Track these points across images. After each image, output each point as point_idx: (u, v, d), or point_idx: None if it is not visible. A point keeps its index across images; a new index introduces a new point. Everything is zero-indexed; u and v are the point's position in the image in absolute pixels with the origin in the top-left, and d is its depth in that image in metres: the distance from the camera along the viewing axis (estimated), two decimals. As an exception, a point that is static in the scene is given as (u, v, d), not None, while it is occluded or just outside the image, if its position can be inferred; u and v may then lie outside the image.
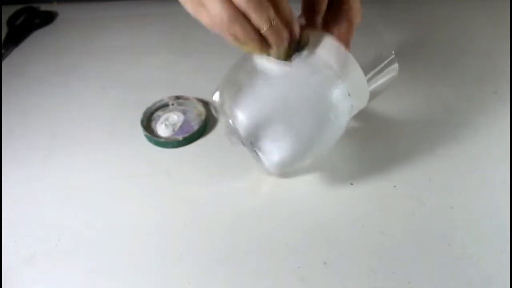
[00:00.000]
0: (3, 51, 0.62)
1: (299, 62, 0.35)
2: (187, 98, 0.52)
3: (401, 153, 0.46)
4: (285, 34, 0.32)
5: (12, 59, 0.62)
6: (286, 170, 0.40)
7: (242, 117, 0.36)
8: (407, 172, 0.44)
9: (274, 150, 0.37)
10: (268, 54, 0.34)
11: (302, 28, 0.35)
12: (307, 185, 0.44)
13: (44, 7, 0.71)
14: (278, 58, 0.35)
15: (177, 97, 0.52)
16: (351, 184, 0.44)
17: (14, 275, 0.38)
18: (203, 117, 0.50)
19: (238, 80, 0.37)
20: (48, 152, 0.48)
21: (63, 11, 0.70)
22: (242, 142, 0.40)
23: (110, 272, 0.38)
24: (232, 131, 0.39)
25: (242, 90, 0.36)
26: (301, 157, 0.38)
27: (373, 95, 0.40)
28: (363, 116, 0.49)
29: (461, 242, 0.38)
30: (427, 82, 0.54)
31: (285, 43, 0.33)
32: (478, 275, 0.36)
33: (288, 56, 0.35)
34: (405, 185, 0.43)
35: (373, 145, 0.47)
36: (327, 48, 0.35)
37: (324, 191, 0.43)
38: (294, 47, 0.35)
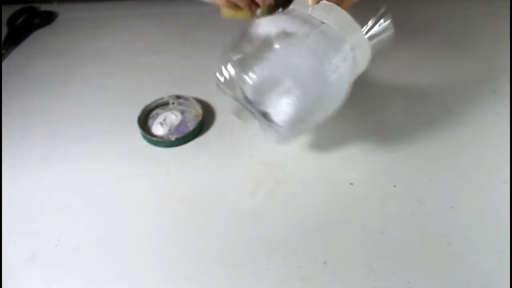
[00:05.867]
0: (3, 51, 0.62)
1: (294, 18, 0.37)
2: (187, 99, 0.52)
3: (401, 153, 0.46)
4: None
5: (12, 59, 0.62)
6: (297, 128, 0.41)
7: (250, 78, 0.37)
8: (407, 172, 0.44)
9: (283, 107, 0.38)
10: (255, 15, 0.43)
11: None
12: (307, 184, 0.44)
13: (44, 7, 0.71)
14: (263, 15, 0.43)
15: (178, 97, 0.52)
16: (351, 184, 0.44)
17: (14, 275, 0.38)
18: (200, 118, 0.50)
19: (242, 49, 0.39)
20: (48, 152, 0.48)
21: (63, 11, 0.70)
22: (252, 113, 0.40)
23: (110, 272, 0.38)
24: (240, 106, 0.40)
25: (247, 56, 0.37)
26: (310, 113, 0.39)
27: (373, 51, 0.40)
28: (363, 116, 0.49)
29: (461, 242, 0.38)
30: (426, 82, 0.54)
31: (268, 1, 0.43)
32: (478, 275, 0.36)
33: (270, 12, 0.43)
34: (405, 185, 0.43)
35: (373, 145, 0.47)
36: (324, 5, 0.38)
37: (324, 191, 0.43)
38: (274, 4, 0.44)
